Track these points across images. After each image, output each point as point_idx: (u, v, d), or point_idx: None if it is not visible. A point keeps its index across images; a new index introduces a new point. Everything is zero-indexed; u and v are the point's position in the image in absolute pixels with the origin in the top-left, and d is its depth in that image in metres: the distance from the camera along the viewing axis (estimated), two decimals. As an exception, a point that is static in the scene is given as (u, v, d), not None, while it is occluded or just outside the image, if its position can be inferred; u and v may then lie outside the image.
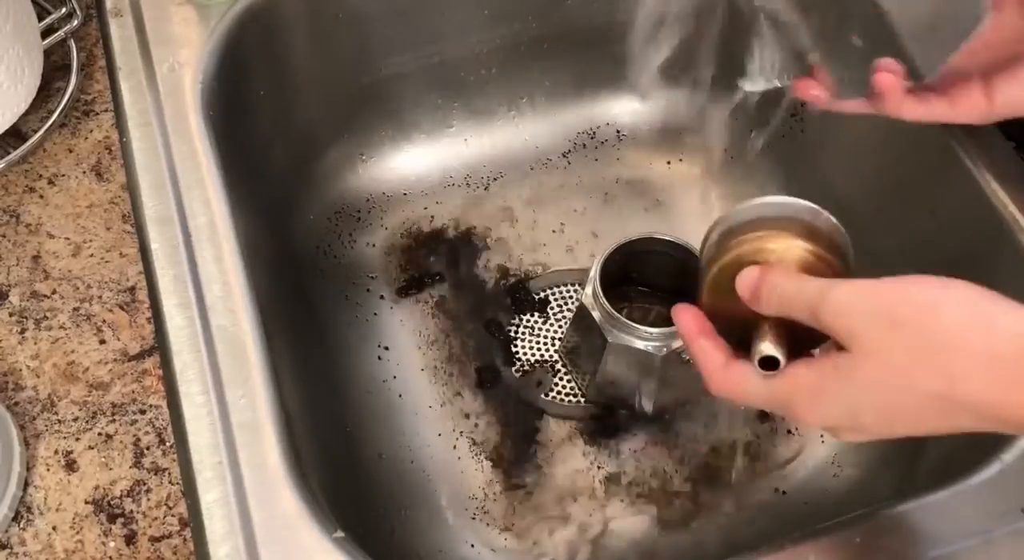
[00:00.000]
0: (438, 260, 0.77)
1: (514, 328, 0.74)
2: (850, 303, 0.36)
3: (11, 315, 0.55)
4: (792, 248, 0.42)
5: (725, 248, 0.43)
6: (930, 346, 0.35)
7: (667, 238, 0.65)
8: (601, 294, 0.61)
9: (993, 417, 0.34)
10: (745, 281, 0.41)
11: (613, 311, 0.61)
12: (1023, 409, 0.34)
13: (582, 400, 0.71)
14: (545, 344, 0.73)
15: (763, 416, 0.70)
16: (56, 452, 0.51)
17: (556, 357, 0.73)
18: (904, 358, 0.35)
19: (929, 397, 0.35)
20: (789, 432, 0.69)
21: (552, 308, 0.75)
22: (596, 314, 0.62)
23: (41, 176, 0.61)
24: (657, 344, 0.61)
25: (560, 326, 0.74)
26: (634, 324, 0.61)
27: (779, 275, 0.40)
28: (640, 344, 0.61)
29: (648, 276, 0.70)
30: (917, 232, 0.66)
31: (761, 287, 0.40)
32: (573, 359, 0.69)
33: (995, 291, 0.36)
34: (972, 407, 0.34)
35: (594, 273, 0.62)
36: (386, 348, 0.73)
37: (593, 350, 0.64)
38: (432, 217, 0.79)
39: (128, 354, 0.54)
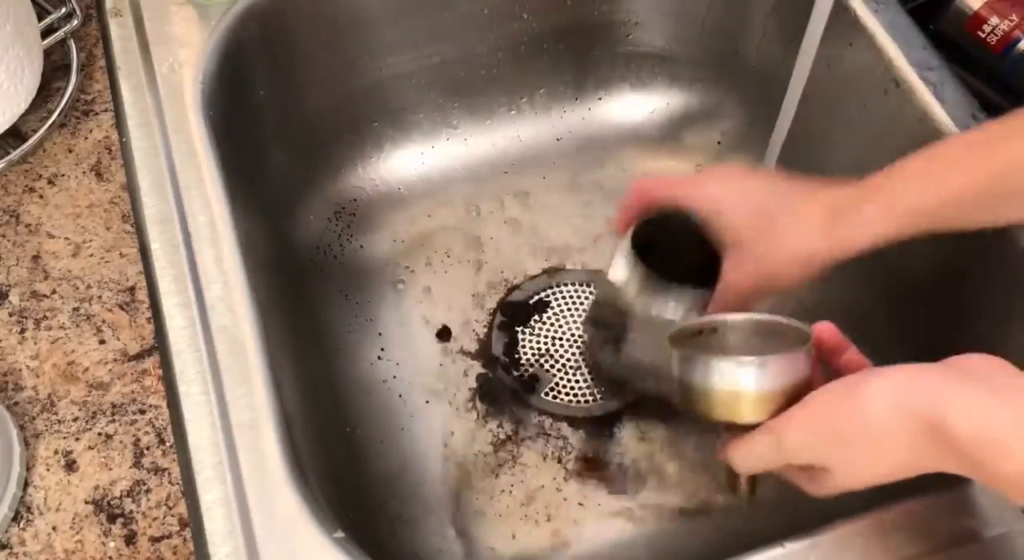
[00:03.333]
0: (439, 260, 0.77)
1: (514, 328, 0.74)
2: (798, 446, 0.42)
3: (11, 315, 0.55)
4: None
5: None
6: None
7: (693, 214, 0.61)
8: (637, 258, 0.57)
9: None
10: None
11: (649, 272, 0.57)
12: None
13: (590, 399, 0.71)
14: (544, 344, 0.73)
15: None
16: (56, 452, 0.51)
17: (555, 357, 0.73)
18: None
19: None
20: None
21: (552, 308, 0.75)
22: (630, 285, 0.58)
23: (41, 176, 0.61)
24: (687, 310, 0.58)
25: (560, 326, 0.74)
26: (669, 282, 0.57)
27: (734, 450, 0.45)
28: (670, 313, 0.58)
29: (669, 256, 0.66)
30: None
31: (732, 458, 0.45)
32: (593, 347, 0.66)
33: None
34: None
35: (626, 242, 0.58)
36: (384, 348, 0.73)
37: (616, 332, 0.61)
38: (432, 217, 0.79)
39: (128, 354, 0.54)
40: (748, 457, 0.43)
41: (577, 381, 0.72)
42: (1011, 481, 0.35)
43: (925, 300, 0.65)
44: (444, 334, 0.73)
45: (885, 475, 0.39)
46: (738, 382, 0.43)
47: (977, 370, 0.38)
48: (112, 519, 0.49)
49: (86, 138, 0.62)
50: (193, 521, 0.48)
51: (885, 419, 0.38)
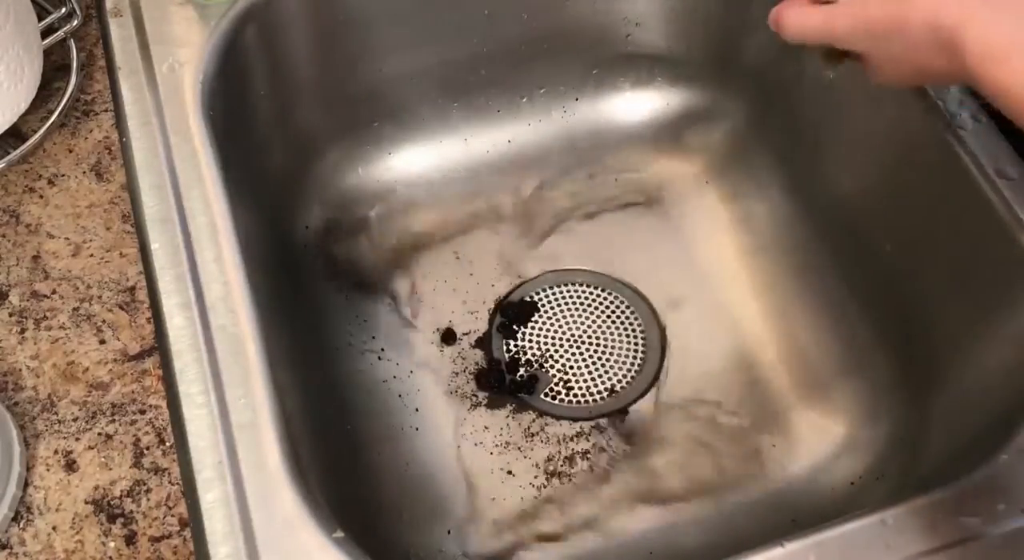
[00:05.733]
0: (438, 260, 0.77)
1: (513, 329, 0.74)
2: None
3: (11, 315, 0.55)
4: None
5: None
6: None
7: None
8: None
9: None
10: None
11: None
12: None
13: (590, 399, 0.71)
14: (545, 345, 0.73)
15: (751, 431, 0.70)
16: (56, 452, 0.51)
17: (555, 358, 0.73)
18: None
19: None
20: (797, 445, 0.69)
21: (552, 308, 0.75)
22: None
23: (41, 176, 0.61)
24: None
25: (560, 327, 0.74)
26: None
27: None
28: None
29: None
30: (917, 232, 0.66)
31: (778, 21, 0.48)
32: None
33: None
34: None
35: None
36: (384, 349, 0.73)
37: None
38: (432, 217, 0.79)
39: (128, 354, 0.54)
40: (800, 27, 0.47)
41: (577, 381, 0.72)
42: (1006, 88, 0.39)
43: (915, 298, 0.66)
44: (448, 337, 0.73)
45: (910, 77, 0.45)
46: None
47: None
48: (112, 519, 0.49)
49: (86, 138, 0.62)
50: (193, 521, 0.48)
51: (920, 31, 0.41)
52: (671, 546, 0.65)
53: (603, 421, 0.70)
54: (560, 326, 0.74)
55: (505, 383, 0.71)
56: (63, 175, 0.61)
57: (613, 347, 0.73)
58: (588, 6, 0.77)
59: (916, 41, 0.41)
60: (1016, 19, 0.39)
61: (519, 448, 0.69)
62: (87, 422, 0.52)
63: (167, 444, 0.51)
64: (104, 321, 0.55)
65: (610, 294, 0.76)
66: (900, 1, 0.42)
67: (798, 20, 0.47)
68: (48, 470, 0.50)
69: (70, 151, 0.62)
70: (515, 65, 0.79)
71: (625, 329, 0.74)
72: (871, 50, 0.45)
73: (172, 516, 0.49)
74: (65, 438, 0.51)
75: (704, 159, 0.81)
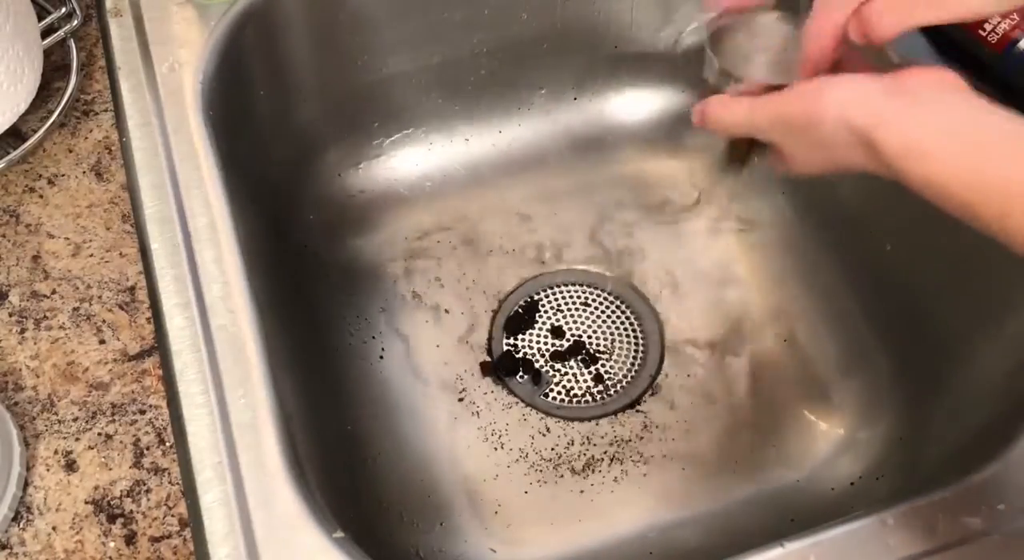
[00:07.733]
0: (439, 260, 0.77)
1: (514, 329, 0.74)
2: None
3: (11, 315, 0.55)
4: None
5: None
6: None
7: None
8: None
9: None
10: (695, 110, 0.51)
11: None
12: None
13: (592, 399, 0.71)
14: (545, 345, 0.73)
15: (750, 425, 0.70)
16: (56, 452, 0.51)
17: (557, 357, 0.73)
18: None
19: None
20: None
21: (553, 307, 0.75)
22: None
23: (41, 176, 0.60)
24: None
25: (561, 326, 0.74)
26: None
27: (714, 108, 0.49)
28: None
29: None
30: (917, 231, 0.66)
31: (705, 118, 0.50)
32: None
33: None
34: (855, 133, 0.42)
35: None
36: (384, 348, 0.73)
37: None
38: (432, 217, 0.79)
39: (128, 354, 0.54)
40: (722, 120, 0.49)
41: (577, 381, 0.72)
42: (932, 182, 0.39)
43: (916, 298, 0.65)
44: (449, 338, 0.73)
45: (828, 169, 0.45)
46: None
47: (919, 85, 0.41)
48: (112, 519, 0.49)
49: (86, 138, 0.62)
50: (193, 521, 0.48)
51: (832, 129, 0.42)
52: (671, 546, 0.65)
53: (602, 421, 0.70)
54: (560, 326, 0.74)
55: (505, 383, 0.71)
56: (63, 175, 0.61)
57: (613, 347, 0.73)
58: (587, 6, 0.77)
59: (833, 137, 0.42)
60: (926, 114, 0.40)
61: (519, 448, 0.69)
62: (87, 422, 0.52)
63: (167, 444, 0.51)
64: (104, 321, 0.55)
65: (610, 294, 0.76)
66: (811, 100, 0.43)
67: (721, 113, 0.48)
68: (48, 470, 0.50)
69: (70, 151, 0.62)
70: (515, 65, 0.79)
71: (625, 329, 0.74)
72: (790, 144, 0.45)
73: (172, 516, 0.49)
74: (65, 438, 0.51)
75: (704, 159, 0.81)
